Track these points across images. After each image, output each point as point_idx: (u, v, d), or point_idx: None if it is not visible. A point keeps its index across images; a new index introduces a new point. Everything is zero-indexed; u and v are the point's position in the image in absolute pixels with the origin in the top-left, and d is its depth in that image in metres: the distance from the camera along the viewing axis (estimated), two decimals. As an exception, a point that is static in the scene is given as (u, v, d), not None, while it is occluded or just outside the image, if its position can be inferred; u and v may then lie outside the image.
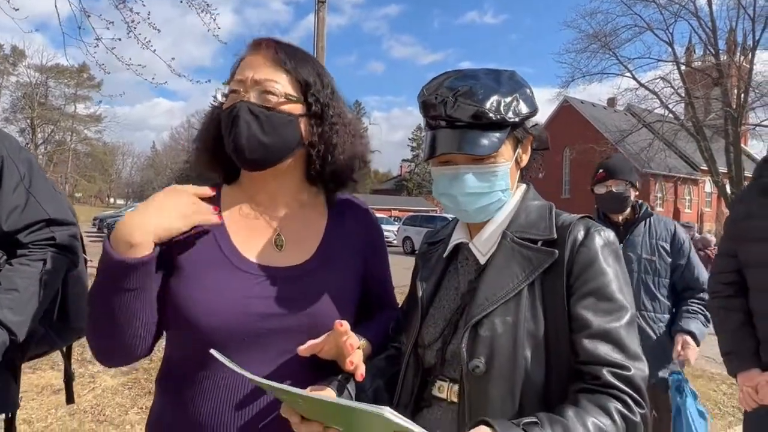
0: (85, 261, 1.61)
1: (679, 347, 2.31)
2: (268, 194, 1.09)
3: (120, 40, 6.23)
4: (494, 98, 0.94)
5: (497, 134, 0.95)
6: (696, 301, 2.45)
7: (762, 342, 1.70)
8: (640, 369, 0.86)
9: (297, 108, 1.04)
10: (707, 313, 2.33)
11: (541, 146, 1.10)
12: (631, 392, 0.83)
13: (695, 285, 2.48)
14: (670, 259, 2.48)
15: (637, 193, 2.60)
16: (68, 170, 48.74)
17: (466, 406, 0.91)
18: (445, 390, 0.97)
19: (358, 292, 1.12)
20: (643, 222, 2.53)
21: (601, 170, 2.58)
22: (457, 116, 0.94)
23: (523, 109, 0.98)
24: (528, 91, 1.00)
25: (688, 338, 2.31)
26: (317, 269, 1.06)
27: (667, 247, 2.49)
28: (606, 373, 0.84)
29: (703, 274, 2.49)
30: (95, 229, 23.46)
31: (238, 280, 0.99)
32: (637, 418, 0.82)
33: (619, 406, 0.82)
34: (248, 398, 0.98)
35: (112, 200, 75.62)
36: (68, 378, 1.62)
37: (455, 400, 0.95)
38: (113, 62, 6.59)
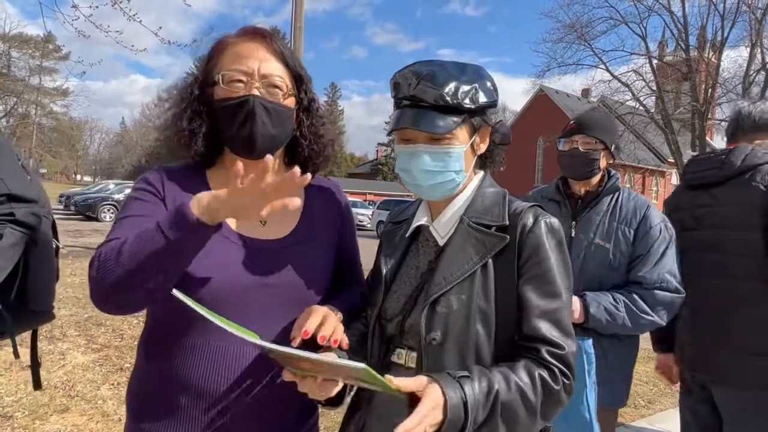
0: (57, 248, 1.59)
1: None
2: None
3: (97, 7, 6.14)
4: (453, 84, 1.03)
5: (454, 118, 1.04)
6: (625, 291, 1.79)
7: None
8: (571, 346, 0.99)
9: (292, 101, 1.13)
10: (633, 310, 1.76)
11: (504, 141, 1.19)
12: (561, 366, 0.97)
13: (643, 280, 1.79)
14: (630, 249, 1.84)
15: (612, 161, 1.97)
16: (32, 145, 46.97)
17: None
18: (403, 357, 1.08)
19: (333, 262, 1.23)
20: (609, 198, 1.93)
21: (572, 121, 1.99)
22: (419, 96, 1.03)
23: (481, 98, 1.06)
24: (488, 83, 1.09)
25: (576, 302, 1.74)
26: (296, 243, 1.15)
27: (630, 234, 1.84)
28: (544, 352, 0.97)
29: (664, 270, 1.79)
30: (62, 207, 22.80)
31: (226, 250, 1.07)
32: (558, 386, 0.95)
33: (545, 374, 0.95)
34: (241, 364, 1.05)
35: (78, 177, 73.38)
36: (35, 364, 1.58)
37: (412, 366, 1.05)
38: (89, 34, 6.52)
